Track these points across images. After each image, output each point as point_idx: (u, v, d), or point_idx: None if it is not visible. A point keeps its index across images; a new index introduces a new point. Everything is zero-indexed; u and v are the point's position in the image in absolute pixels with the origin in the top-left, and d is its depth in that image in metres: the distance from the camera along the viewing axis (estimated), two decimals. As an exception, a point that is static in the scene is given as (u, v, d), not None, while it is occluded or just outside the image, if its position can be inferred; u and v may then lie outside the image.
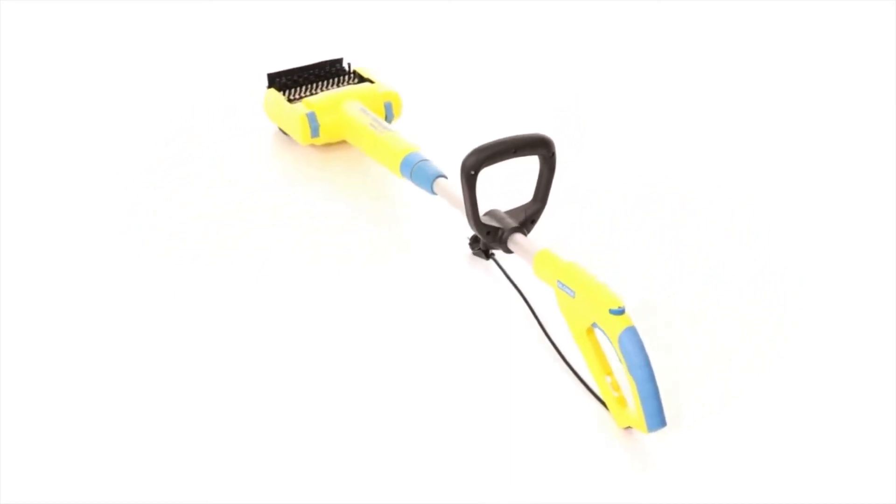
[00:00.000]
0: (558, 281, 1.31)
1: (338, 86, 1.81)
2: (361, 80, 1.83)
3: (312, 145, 1.76)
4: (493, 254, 1.49)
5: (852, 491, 1.21)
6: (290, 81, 1.81)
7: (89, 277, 1.51)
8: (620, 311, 1.23)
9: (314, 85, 1.81)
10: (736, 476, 1.23)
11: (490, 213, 1.44)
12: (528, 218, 1.44)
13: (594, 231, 1.62)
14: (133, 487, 1.21)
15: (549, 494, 1.21)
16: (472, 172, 1.38)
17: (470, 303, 1.48)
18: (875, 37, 2.16)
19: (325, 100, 1.75)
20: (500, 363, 1.38)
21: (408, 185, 1.60)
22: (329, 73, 1.83)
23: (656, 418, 1.21)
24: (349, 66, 1.85)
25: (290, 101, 1.77)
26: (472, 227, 1.43)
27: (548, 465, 1.24)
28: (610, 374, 1.28)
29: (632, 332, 1.22)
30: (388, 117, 1.76)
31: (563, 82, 2.02)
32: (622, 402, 1.26)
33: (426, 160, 1.56)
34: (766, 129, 1.90)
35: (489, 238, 1.43)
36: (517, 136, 1.41)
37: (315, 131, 1.72)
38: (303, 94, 1.79)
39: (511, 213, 1.44)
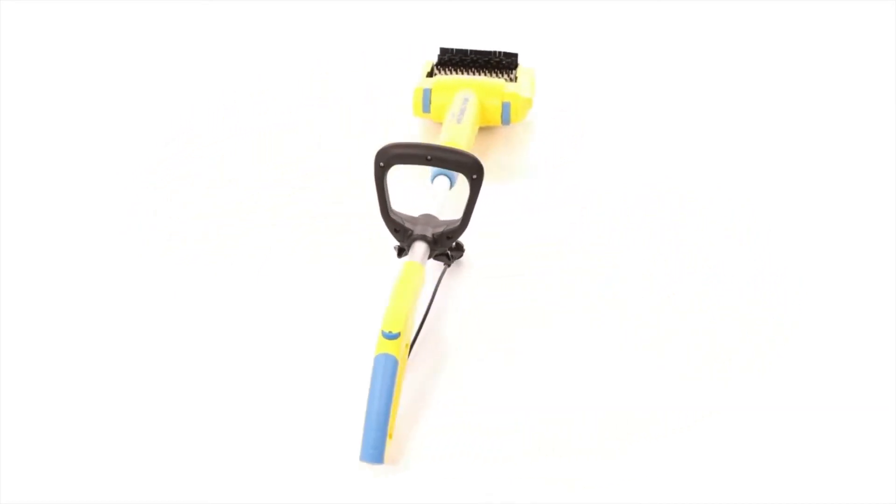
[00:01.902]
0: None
1: (492, 76, 1.83)
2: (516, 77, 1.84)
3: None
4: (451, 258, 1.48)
5: (852, 491, 1.21)
6: (453, 59, 1.85)
7: (90, 277, 1.51)
8: (388, 335, 1.21)
9: (473, 69, 1.84)
10: (736, 476, 1.23)
11: (424, 216, 1.44)
12: (444, 233, 1.42)
13: (594, 231, 1.62)
14: (133, 487, 1.21)
15: (549, 494, 1.21)
16: (381, 164, 1.39)
17: (469, 302, 1.48)
18: (875, 37, 2.16)
19: (447, 82, 1.78)
20: (500, 363, 1.38)
21: (407, 185, 1.59)
22: (493, 62, 1.84)
23: (370, 451, 1.18)
24: (515, 62, 1.86)
25: (430, 75, 1.83)
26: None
27: (548, 465, 1.24)
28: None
29: (381, 359, 1.20)
30: (504, 118, 1.77)
31: (563, 82, 2.02)
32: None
33: None
34: (767, 128, 1.90)
35: (398, 235, 1.43)
36: (444, 147, 1.42)
37: (426, 107, 1.77)
38: (452, 73, 1.84)
39: (439, 223, 1.43)
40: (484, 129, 1.80)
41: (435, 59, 1.87)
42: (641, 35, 2.20)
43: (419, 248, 1.39)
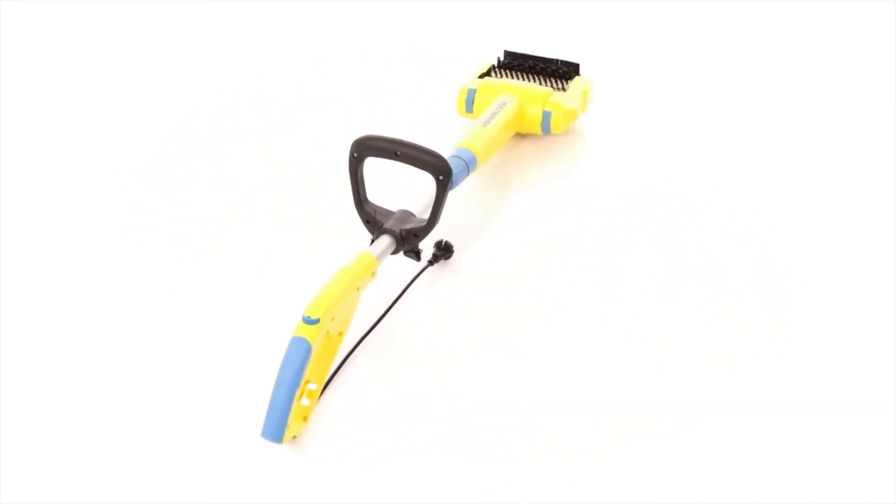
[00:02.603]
0: None
1: (546, 83, 1.83)
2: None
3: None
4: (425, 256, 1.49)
5: (852, 491, 1.21)
6: (512, 63, 1.85)
7: (90, 277, 1.51)
8: (307, 320, 1.22)
9: (531, 75, 1.84)
10: (735, 476, 1.23)
11: (401, 211, 1.43)
12: (411, 231, 1.42)
13: (594, 231, 1.62)
14: (132, 487, 1.21)
15: (549, 494, 1.21)
16: (355, 155, 1.40)
17: (467, 302, 1.48)
18: (875, 37, 2.16)
19: (493, 84, 1.79)
20: (499, 363, 1.38)
21: (406, 186, 1.59)
22: (550, 70, 1.83)
23: (271, 429, 1.20)
24: (573, 72, 1.84)
25: (484, 75, 1.83)
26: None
27: (547, 465, 1.24)
28: (314, 381, 1.27)
29: (294, 342, 1.21)
30: (544, 127, 1.75)
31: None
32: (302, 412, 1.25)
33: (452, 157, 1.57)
34: (767, 128, 1.90)
35: (369, 227, 1.43)
36: (418, 145, 1.40)
37: (469, 107, 1.78)
38: (507, 76, 1.84)
39: (409, 220, 1.43)
40: (529, 137, 1.81)
41: (495, 62, 1.86)
42: (641, 36, 2.20)
43: (383, 241, 1.39)
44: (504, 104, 1.73)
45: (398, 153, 1.38)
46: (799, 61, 2.10)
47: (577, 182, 1.72)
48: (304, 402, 1.25)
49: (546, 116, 1.74)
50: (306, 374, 1.23)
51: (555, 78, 1.83)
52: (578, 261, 1.55)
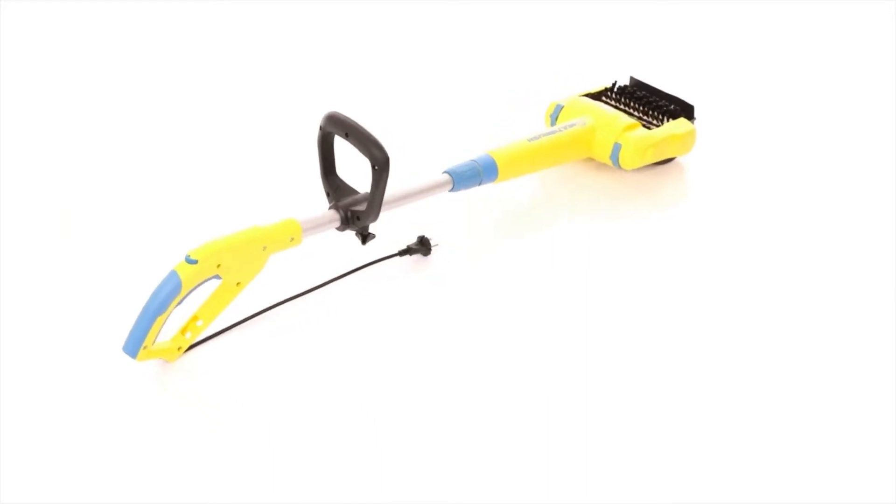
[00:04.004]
0: None
1: (650, 118, 1.77)
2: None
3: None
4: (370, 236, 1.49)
5: (852, 491, 1.21)
6: (626, 89, 1.81)
7: (89, 277, 1.51)
8: (188, 259, 1.31)
9: (637, 105, 1.78)
10: (735, 476, 1.22)
11: (366, 194, 1.43)
12: (355, 213, 1.44)
13: (592, 231, 1.62)
14: (132, 487, 1.21)
15: (549, 493, 1.21)
16: (321, 127, 1.43)
17: (466, 301, 1.48)
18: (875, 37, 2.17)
19: (580, 103, 1.76)
20: (500, 364, 1.38)
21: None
22: (659, 105, 1.77)
23: (128, 344, 1.30)
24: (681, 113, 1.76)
25: (587, 95, 1.81)
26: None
27: (548, 465, 1.24)
28: (202, 318, 1.37)
29: (170, 275, 1.31)
30: (613, 158, 1.69)
31: (563, 83, 2.02)
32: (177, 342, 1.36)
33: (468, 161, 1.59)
34: (767, 128, 1.91)
35: (328, 199, 1.46)
36: (367, 133, 1.40)
37: (553, 121, 1.77)
38: (615, 103, 1.80)
39: (361, 203, 1.44)
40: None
41: (611, 84, 1.82)
42: (643, 35, 2.20)
43: (326, 215, 1.43)
44: (572, 125, 1.70)
45: (348, 135, 1.41)
46: (798, 61, 2.11)
47: (576, 184, 1.72)
48: (188, 335, 1.36)
49: (616, 148, 1.69)
50: (198, 312, 1.36)
51: (661, 115, 1.76)
52: (573, 260, 1.55)
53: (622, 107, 1.79)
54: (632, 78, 1.83)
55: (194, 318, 1.36)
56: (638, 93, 1.80)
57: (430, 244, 1.55)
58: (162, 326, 1.31)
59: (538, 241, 1.60)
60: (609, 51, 2.16)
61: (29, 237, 1.59)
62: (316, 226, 1.42)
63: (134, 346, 1.30)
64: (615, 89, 1.82)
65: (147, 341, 1.30)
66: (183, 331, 1.35)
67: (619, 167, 1.70)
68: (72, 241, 1.58)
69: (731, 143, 1.85)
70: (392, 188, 1.45)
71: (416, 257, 1.55)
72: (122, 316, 1.44)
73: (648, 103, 1.78)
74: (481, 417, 1.29)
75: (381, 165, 1.39)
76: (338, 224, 1.44)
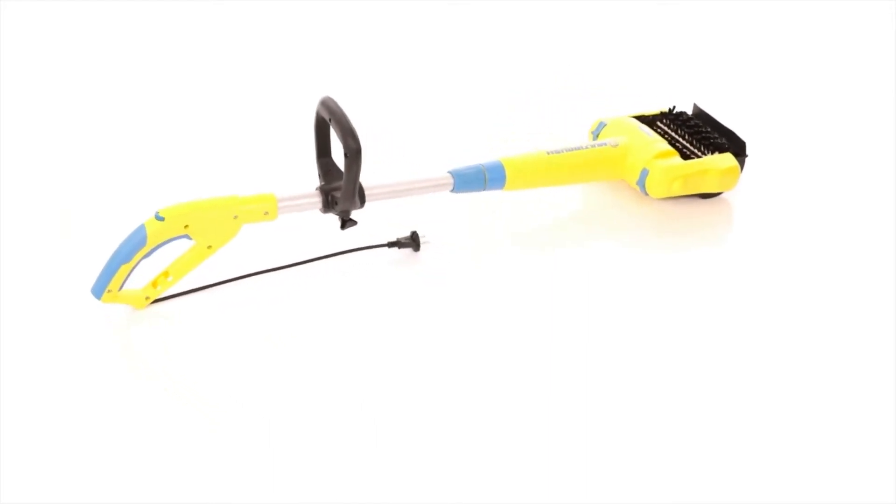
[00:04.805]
0: None
1: (695, 149, 1.70)
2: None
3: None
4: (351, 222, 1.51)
5: (851, 491, 1.21)
6: (681, 117, 1.76)
7: (89, 277, 1.51)
8: (157, 216, 1.39)
9: (687, 135, 1.72)
10: (735, 476, 1.22)
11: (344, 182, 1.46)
12: (335, 199, 1.47)
13: (602, 253, 1.62)
14: (131, 487, 1.21)
15: (549, 493, 1.21)
16: (317, 111, 1.45)
17: (465, 301, 1.48)
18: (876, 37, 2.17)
19: (621, 124, 1.73)
20: (500, 364, 1.38)
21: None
22: (708, 137, 1.71)
23: (94, 287, 1.41)
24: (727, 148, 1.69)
25: (637, 117, 1.77)
26: None
27: (548, 464, 1.24)
28: (172, 275, 1.44)
29: (138, 228, 1.39)
30: (640, 184, 1.64)
31: (565, 83, 2.03)
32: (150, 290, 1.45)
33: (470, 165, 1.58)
34: (766, 128, 1.91)
35: (320, 180, 1.49)
36: (347, 122, 1.41)
37: (595, 137, 1.74)
38: (664, 129, 1.74)
39: (343, 188, 1.45)
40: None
41: (667, 109, 1.79)
42: (642, 36, 2.20)
43: (306, 195, 1.46)
44: (603, 144, 1.67)
45: (330, 120, 1.42)
46: (797, 61, 2.11)
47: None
48: (158, 288, 1.44)
49: (643, 174, 1.64)
50: (169, 268, 1.43)
51: (707, 147, 1.70)
52: (571, 262, 1.55)
53: (671, 133, 1.73)
54: (695, 106, 1.78)
55: (165, 274, 1.43)
56: (693, 121, 1.75)
57: (419, 240, 1.56)
58: (127, 275, 1.39)
59: (536, 254, 1.58)
60: (675, 74, 2.13)
61: (29, 237, 1.59)
62: (295, 204, 1.45)
63: (99, 288, 1.40)
64: (671, 114, 1.77)
65: (112, 286, 1.39)
66: (154, 284, 1.43)
67: (646, 194, 1.66)
68: (72, 241, 1.58)
69: (790, 185, 1.76)
70: (392, 181, 1.49)
71: (407, 252, 1.57)
72: (122, 315, 1.44)
73: (697, 133, 1.72)
74: (454, 404, 1.30)
75: (352, 154, 1.40)
76: (319, 206, 1.46)
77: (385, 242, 1.56)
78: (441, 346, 1.40)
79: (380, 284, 1.51)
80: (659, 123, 1.77)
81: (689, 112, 1.80)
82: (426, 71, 2.13)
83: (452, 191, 1.56)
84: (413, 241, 1.56)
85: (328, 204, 1.47)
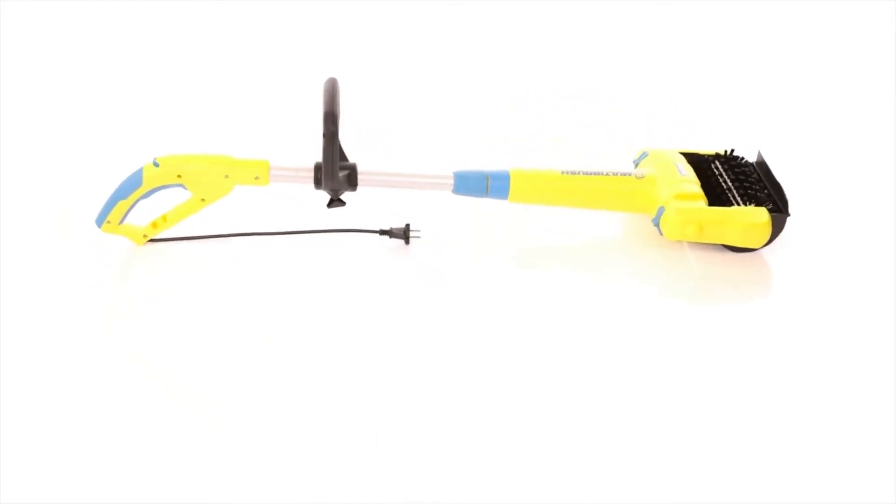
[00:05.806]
0: None
1: (736, 200, 1.58)
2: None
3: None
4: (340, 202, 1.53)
5: (851, 491, 1.21)
6: (734, 163, 1.66)
7: (88, 277, 1.52)
8: (153, 161, 1.50)
9: (733, 184, 1.61)
10: (735, 476, 1.22)
11: (354, 164, 1.50)
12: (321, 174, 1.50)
13: (593, 230, 1.63)
14: (131, 487, 1.21)
15: (549, 493, 1.21)
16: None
17: (464, 300, 1.48)
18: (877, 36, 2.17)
19: (661, 157, 1.64)
20: (500, 365, 1.37)
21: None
22: (751, 188, 1.59)
23: (98, 217, 1.54)
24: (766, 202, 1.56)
25: (688, 153, 1.67)
26: None
27: (548, 464, 1.24)
28: (169, 219, 1.55)
29: (137, 171, 1.50)
30: (655, 221, 1.55)
31: (564, 83, 2.03)
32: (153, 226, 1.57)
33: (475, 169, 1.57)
34: (766, 128, 1.91)
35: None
36: (328, 104, 1.44)
37: (636, 165, 1.69)
38: (710, 171, 1.65)
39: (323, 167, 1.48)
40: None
41: (723, 152, 1.70)
42: (642, 36, 2.21)
43: (299, 167, 1.51)
44: (627, 174, 1.59)
45: (324, 103, 1.46)
46: (795, 61, 2.11)
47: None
48: (157, 228, 1.56)
49: (659, 212, 1.55)
50: (167, 213, 1.55)
51: (747, 198, 1.58)
52: (568, 265, 1.56)
53: (716, 176, 1.64)
54: (759, 154, 1.67)
55: (163, 217, 1.55)
56: (745, 170, 1.64)
57: (409, 234, 1.57)
58: (126, 212, 1.52)
59: (532, 264, 1.57)
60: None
61: (29, 237, 1.59)
62: (288, 174, 1.51)
63: (100, 219, 1.53)
64: (726, 157, 1.68)
65: (111, 217, 1.52)
66: (153, 224, 1.56)
67: (661, 234, 1.56)
68: (72, 241, 1.58)
69: (837, 253, 1.61)
70: (394, 172, 1.52)
71: (397, 243, 1.57)
72: (122, 316, 1.44)
73: (741, 183, 1.62)
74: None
75: (326, 136, 1.45)
76: (311, 180, 1.50)
77: (377, 229, 1.58)
78: (429, 342, 1.40)
79: (363, 269, 1.53)
80: (714, 165, 1.67)
81: (753, 157, 1.68)
82: (426, 71, 2.13)
83: (453, 192, 1.56)
84: (404, 234, 1.57)
85: (318, 181, 1.50)
